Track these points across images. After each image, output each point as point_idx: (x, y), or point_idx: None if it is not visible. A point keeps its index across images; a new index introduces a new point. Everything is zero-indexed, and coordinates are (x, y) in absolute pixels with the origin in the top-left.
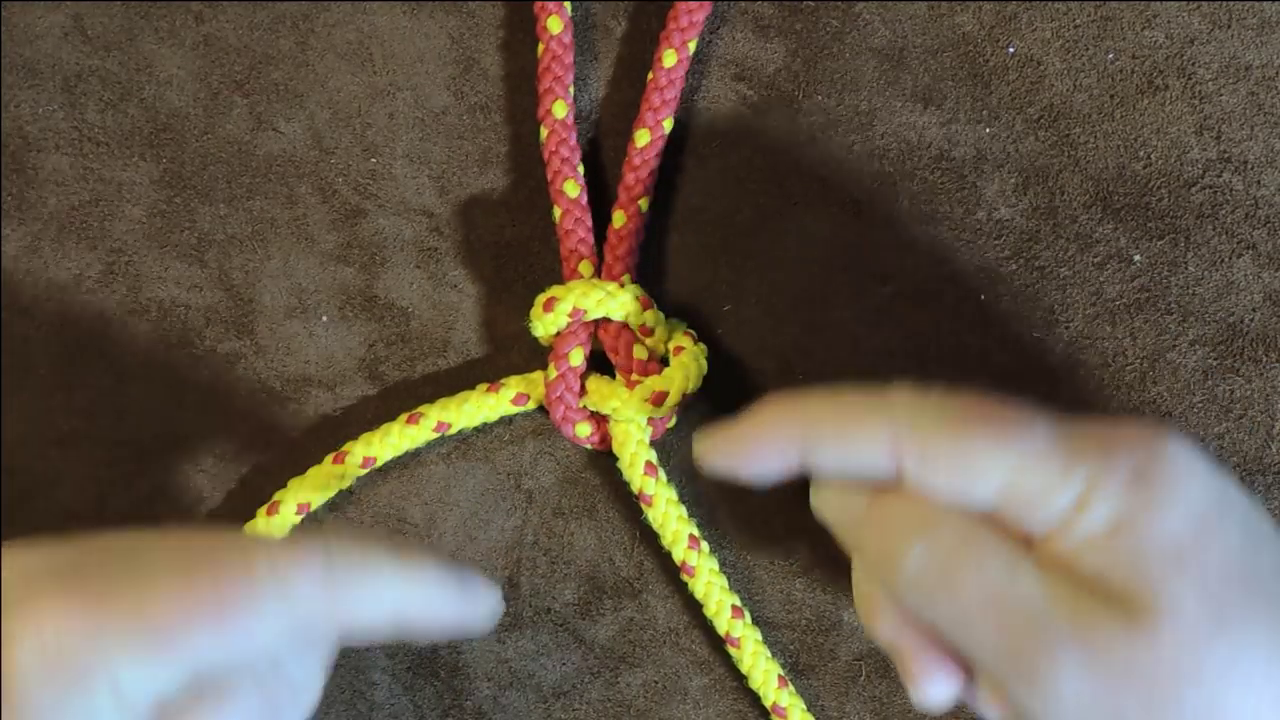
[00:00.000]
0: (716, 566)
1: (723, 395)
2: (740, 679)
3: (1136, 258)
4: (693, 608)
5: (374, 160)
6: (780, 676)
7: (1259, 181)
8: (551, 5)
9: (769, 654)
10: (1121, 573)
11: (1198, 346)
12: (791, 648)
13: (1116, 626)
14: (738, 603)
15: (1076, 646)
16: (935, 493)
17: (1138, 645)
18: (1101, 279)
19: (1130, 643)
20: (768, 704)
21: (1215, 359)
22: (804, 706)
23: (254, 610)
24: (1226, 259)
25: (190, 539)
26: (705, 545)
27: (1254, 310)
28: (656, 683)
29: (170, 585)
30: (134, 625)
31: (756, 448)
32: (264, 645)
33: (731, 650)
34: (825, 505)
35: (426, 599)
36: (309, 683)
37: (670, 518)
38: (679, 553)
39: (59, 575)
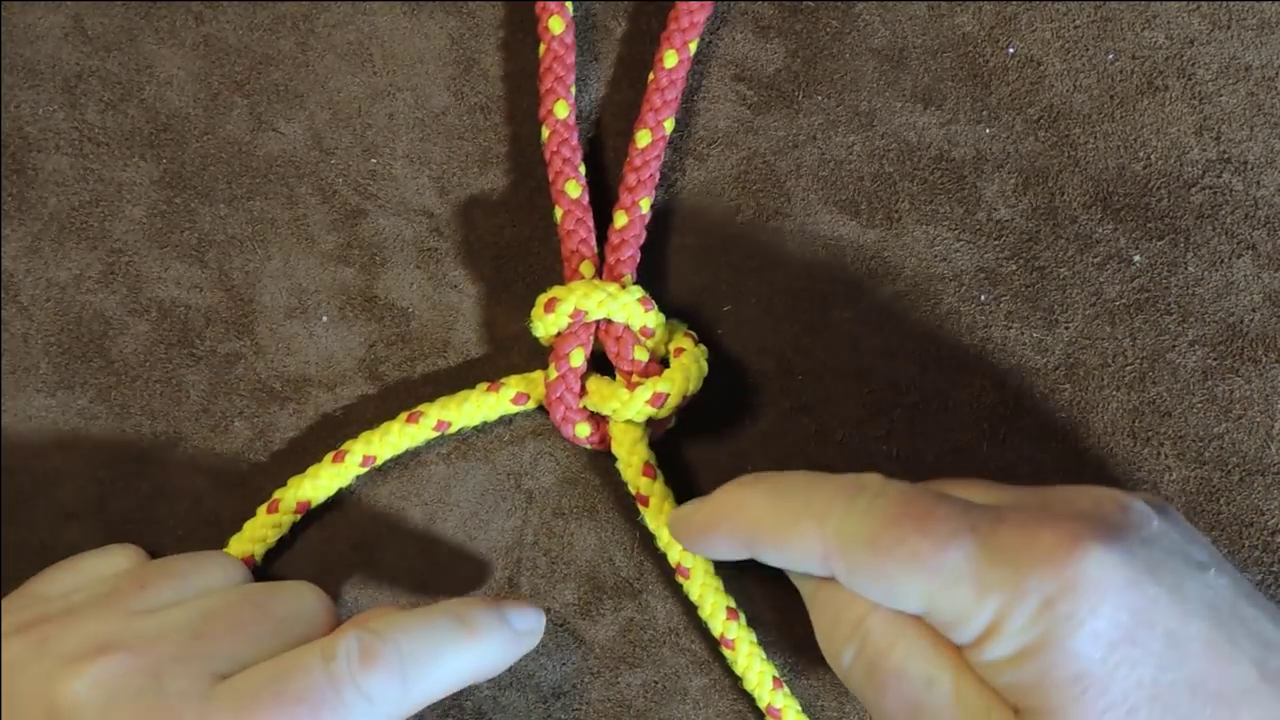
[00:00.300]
0: (712, 568)
1: (723, 395)
2: (738, 679)
3: (1136, 258)
4: (692, 608)
5: (374, 160)
6: (775, 678)
7: (1259, 182)
8: (553, 5)
9: (764, 656)
10: (1029, 697)
11: (1197, 347)
12: (789, 649)
13: None
14: (733, 604)
15: None
16: (866, 598)
17: None
18: (1101, 279)
19: None
20: (762, 705)
21: (1215, 359)
22: (799, 708)
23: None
24: (1226, 259)
25: (270, 661)
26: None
27: (1254, 310)
28: (656, 683)
29: (278, 704)
30: None
31: (708, 540)
32: None
33: (726, 652)
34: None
35: (490, 658)
36: None
37: (666, 520)
38: (674, 554)
39: (170, 692)
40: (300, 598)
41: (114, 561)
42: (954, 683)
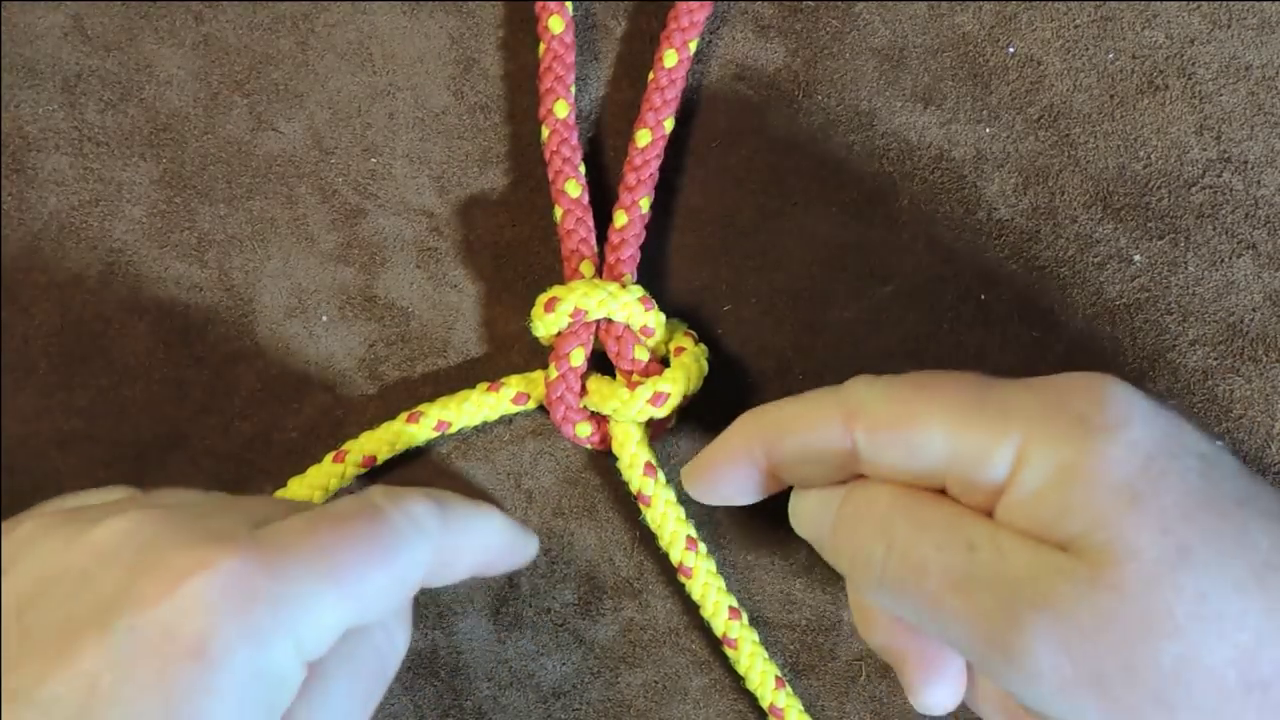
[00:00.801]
0: (714, 568)
1: (723, 395)
2: (740, 679)
3: (1136, 258)
4: (693, 608)
5: (374, 160)
6: (778, 677)
7: (1259, 181)
8: (553, 5)
9: (766, 655)
10: (1076, 523)
11: (1198, 346)
12: (791, 648)
13: (1079, 581)
14: (735, 604)
15: (1043, 613)
16: (887, 468)
17: (1102, 598)
18: (1101, 279)
19: (1094, 598)
20: (765, 705)
21: (1215, 359)
22: (801, 707)
23: (407, 547)
24: (1226, 259)
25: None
26: (703, 547)
27: (1254, 310)
28: (656, 683)
29: (335, 530)
30: (317, 567)
31: (728, 459)
32: (408, 590)
33: (729, 651)
34: (799, 520)
35: (499, 534)
36: (398, 649)
37: (668, 519)
38: (676, 554)
39: (214, 528)
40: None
41: (110, 493)
42: (992, 539)
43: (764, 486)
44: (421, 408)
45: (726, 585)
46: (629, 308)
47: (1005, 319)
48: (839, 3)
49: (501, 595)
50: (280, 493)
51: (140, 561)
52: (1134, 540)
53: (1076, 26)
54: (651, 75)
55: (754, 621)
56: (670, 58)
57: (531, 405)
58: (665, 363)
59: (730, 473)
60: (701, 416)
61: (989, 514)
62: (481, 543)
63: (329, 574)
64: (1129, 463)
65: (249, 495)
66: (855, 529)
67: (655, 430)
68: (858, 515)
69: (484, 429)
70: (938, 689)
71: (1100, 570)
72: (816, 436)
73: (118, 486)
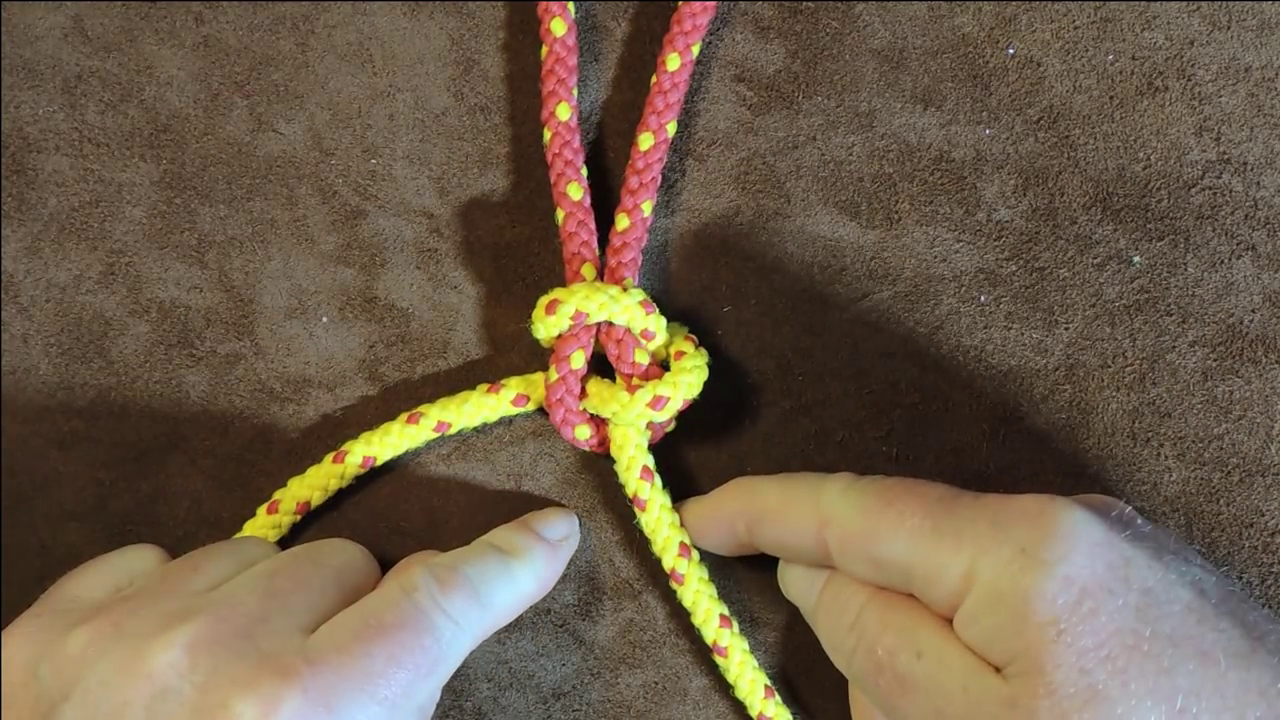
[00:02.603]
0: (706, 575)
1: (723, 397)
2: (731, 688)
3: (1136, 259)
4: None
5: (374, 161)
6: (767, 686)
7: (1259, 183)
8: (555, 7)
9: (756, 663)
10: (1006, 650)
11: (1197, 347)
12: (783, 656)
13: (1001, 705)
14: (726, 612)
15: None
16: (857, 571)
17: None
18: (1101, 280)
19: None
20: (753, 714)
21: (1215, 360)
22: (790, 717)
23: (451, 652)
24: (1226, 260)
25: (361, 600)
26: (696, 554)
27: (1254, 311)
28: (656, 683)
29: (384, 645)
30: (369, 689)
31: (713, 525)
32: (445, 679)
33: (719, 660)
34: (787, 589)
35: (539, 576)
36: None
37: (662, 524)
38: (669, 560)
39: (267, 651)
40: (345, 549)
41: (139, 559)
42: (939, 650)
43: (746, 549)
44: (421, 409)
45: (719, 592)
46: (630, 311)
47: (1005, 319)
48: (839, 3)
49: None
50: (280, 493)
51: (203, 704)
52: (1051, 676)
53: (1076, 28)
54: (654, 78)
55: (744, 630)
56: (673, 60)
57: (531, 407)
58: (665, 366)
59: (714, 536)
60: (701, 419)
61: (950, 619)
62: (519, 597)
63: (380, 695)
64: (1060, 599)
65: (293, 569)
66: (833, 619)
67: (654, 433)
68: (837, 606)
69: (484, 430)
70: None
71: (1019, 698)
72: (793, 533)
73: (143, 547)
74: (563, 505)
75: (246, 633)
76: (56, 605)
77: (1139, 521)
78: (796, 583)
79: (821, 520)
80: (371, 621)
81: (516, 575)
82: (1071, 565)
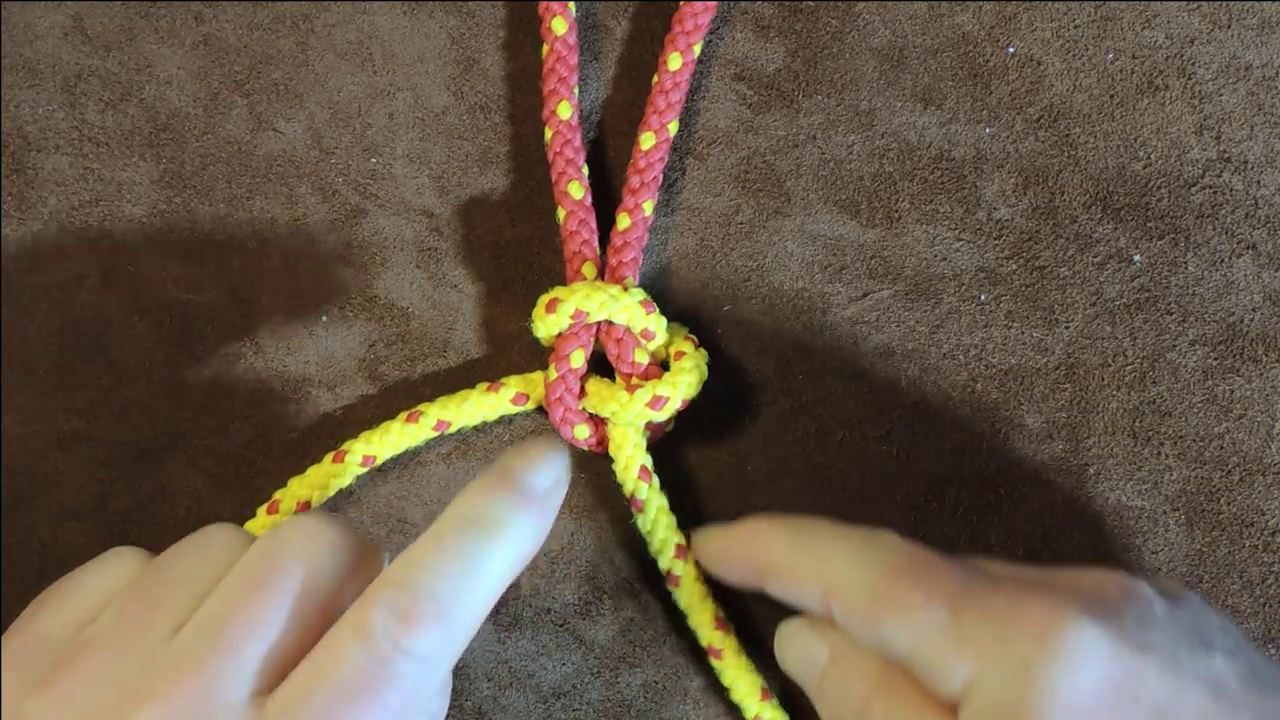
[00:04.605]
0: (702, 576)
1: (723, 396)
2: (727, 690)
3: (1136, 258)
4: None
5: (374, 160)
6: (763, 689)
7: (1259, 181)
8: (556, 6)
9: (752, 666)
10: None
11: (1198, 346)
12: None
13: None
14: (721, 614)
15: None
16: (860, 643)
17: None
18: (1101, 279)
19: None
20: (749, 717)
21: (1215, 359)
22: (786, 718)
23: (416, 694)
24: (1226, 259)
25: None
26: (692, 556)
27: (1254, 310)
28: (656, 683)
29: (341, 710)
30: None
31: (720, 565)
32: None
33: (714, 662)
34: (784, 660)
35: (525, 543)
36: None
37: (659, 525)
38: (665, 561)
39: None
40: (300, 552)
41: (114, 573)
42: None
43: (755, 587)
44: (421, 408)
45: (716, 594)
46: (630, 310)
47: (1005, 318)
48: (839, 3)
49: (501, 595)
50: (280, 493)
51: None
52: None
53: (1076, 26)
54: (655, 78)
55: (743, 625)
56: (674, 60)
57: (531, 406)
58: (665, 366)
59: (729, 572)
60: (701, 419)
61: (954, 708)
62: (501, 580)
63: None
64: (1061, 716)
65: (247, 603)
66: (840, 697)
67: (654, 433)
68: (841, 690)
69: (484, 429)
70: None
71: None
72: (799, 594)
73: (122, 553)
74: (550, 438)
75: (200, 712)
76: (24, 646)
77: (1156, 609)
78: (797, 663)
79: (827, 589)
80: (326, 687)
81: (492, 564)
82: (1075, 689)
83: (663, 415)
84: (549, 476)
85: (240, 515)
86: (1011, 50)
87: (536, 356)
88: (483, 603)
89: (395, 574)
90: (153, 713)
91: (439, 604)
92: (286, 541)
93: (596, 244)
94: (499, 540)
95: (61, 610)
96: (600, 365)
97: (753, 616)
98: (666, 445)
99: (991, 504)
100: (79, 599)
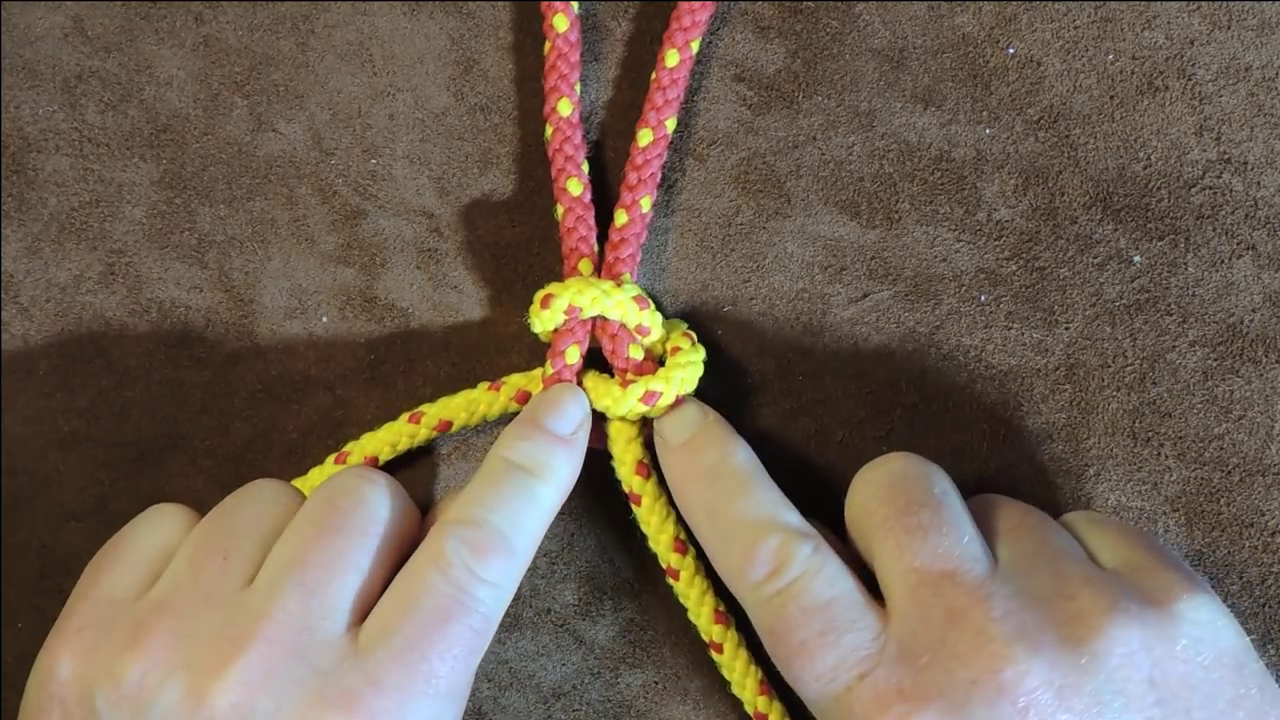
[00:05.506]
0: (702, 570)
1: (722, 395)
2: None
3: (1136, 258)
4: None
5: (374, 161)
6: (763, 683)
7: (1259, 182)
8: (558, 4)
9: (753, 660)
10: None
11: (1198, 347)
12: None
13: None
14: (722, 608)
15: None
16: None
17: None
18: (1101, 279)
19: None
20: (750, 711)
21: (1215, 360)
22: (784, 711)
23: (492, 620)
24: (1226, 260)
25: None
26: (692, 550)
27: (1254, 311)
28: (656, 683)
29: (432, 642)
30: (421, 688)
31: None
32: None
33: (715, 656)
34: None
35: (562, 483)
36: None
37: (658, 520)
38: (664, 555)
39: (332, 694)
40: (368, 498)
41: (164, 531)
42: None
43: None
44: (422, 408)
45: (716, 587)
46: (623, 306)
47: (1005, 319)
48: (839, 3)
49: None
50: None
51: None
52: None
53: (1076, 27)
54: (653, 75)
55: (743, 619)
56: (672, 57)
57: None
58: (662, 362)
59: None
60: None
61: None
62: (548, 514)
63: (440, 689)
64: None
65: (320, 547)
66: None
67: (652, 430)
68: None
69: (485, 429)
70: None
71: None
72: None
73: (165, 510)
74: (567, 385)
75: (298, 652)
76: (97, 611)
77: (1114, 658)
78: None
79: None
80: (414, 615)
81: (542, 499)
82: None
83: (656, 410)
84: (574, 418)
85: None
86: (1012, 51)
87: (537, 356)
88: (537, 532)
89: (460, 512)
90: (255, 655)
91: (503, 536)
92: (348, 489)
93: (594, 241)
94: (544, 479)
95: (122, 572)
96: (602, 362)
97: None
98: None
99: None
100: (137, 558)
